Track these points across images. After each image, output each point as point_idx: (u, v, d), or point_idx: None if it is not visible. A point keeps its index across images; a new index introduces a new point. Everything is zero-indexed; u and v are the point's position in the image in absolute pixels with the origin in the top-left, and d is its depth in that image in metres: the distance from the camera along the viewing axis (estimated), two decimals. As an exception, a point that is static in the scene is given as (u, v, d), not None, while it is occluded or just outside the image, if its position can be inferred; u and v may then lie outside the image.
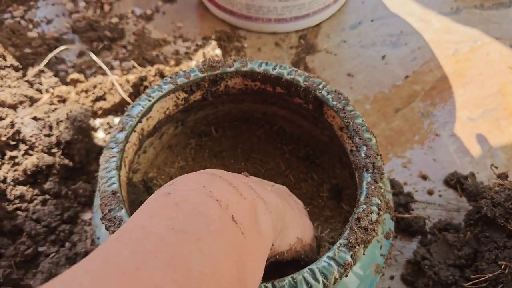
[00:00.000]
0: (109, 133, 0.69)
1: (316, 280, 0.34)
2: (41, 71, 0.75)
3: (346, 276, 0.36)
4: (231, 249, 0.27)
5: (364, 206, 0.38)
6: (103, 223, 0.39)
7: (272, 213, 0.33)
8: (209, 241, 0.25)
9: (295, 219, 0.39)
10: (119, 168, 0.41)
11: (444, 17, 0.83)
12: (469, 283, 0.51)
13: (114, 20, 0.84)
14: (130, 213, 0.36)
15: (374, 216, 0.38)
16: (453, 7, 0.84)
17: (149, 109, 0.46)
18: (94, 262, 0.22)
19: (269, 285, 0.33)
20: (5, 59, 0.75)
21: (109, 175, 0.41)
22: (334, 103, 0.45)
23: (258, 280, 0.29)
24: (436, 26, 0.82)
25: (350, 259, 0.36)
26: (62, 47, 0.77)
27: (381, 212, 0.39)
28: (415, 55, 0.78)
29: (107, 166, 0.41)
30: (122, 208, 0.38)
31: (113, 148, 0.42)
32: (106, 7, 0.86)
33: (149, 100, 0.45)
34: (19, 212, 0.60)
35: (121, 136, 0.43)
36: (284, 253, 0.37)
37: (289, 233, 0.37)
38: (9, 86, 0.71)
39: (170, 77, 0.47)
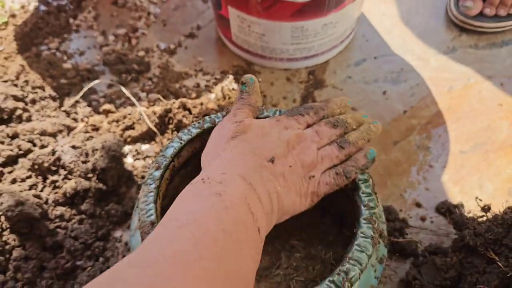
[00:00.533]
0: (137, 158, 0.78)
1: (319, 301, 0.42)
2: (76, 102, 0.83)
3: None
4: (255, 254, 0.36)
5: (361, 239, 0.46)
6: (143, 248, 0.47)
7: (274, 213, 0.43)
8: (245, 246, 0.34)
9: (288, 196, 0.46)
10: (155, 201, 0.50)
11: (441, 56, 0.91)
12: (452, 303, 0.59)
13: (141, 53, 0.93)
14: None
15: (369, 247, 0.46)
16: (450, 46, 0.92)
17: (180, 150, 0.54)
18: (168, 249, 0.30)
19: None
20: (44, 90, 0.84)
21: (147, 208, 0.49)
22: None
23: None
24: (433, 65, 0.89)
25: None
26: (97, 81, 0.86)
27: (374, 244, 0.47)
28: (414, 91, 0.86)
29: (146, 200, 0.50)
30: (159, 236, 0.47)
31: (151, 184, 0.51)
32: (133, 41, 0.95)
33: (181, 143, 0.54)
34: (59, 230, 0.68)
35: (158, 174, 0.51)
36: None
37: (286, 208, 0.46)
38: (49, 116, 0.80)
39: (198, 122, 0.56)
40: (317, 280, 0.62)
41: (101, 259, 0.67)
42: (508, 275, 0.54)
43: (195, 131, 0.55)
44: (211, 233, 0.32)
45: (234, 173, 0.40)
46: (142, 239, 0.47)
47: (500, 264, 0.55)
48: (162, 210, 0.61)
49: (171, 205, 0.38)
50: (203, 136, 0.56)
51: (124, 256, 0.68)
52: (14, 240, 0.65)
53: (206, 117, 0.56)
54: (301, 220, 0.65)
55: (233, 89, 0.85)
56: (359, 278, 0.46)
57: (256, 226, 0.38)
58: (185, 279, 0.28)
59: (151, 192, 0.50)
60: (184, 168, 0.61)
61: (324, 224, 0.65)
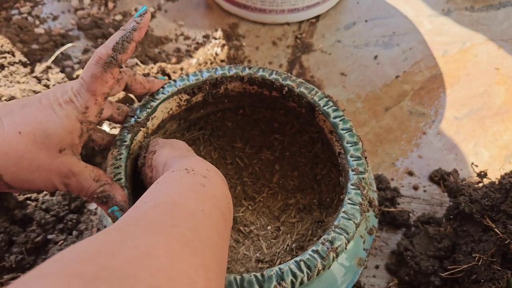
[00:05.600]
0: (113, 127, 0.73)
1: (301, 271, 0.38)
2: (48, 67, 0.78)
3: (329, 268, 0.40)
4: (227, 247, 0.35)
5: (348, 206, 0.43)
6: (111, 215, 0.43)
7: None
8: (223, 232, 0.34)
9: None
10: (125, 164, 0.45)
11: (435, 18, 0.86)
12: (446, 273, 0.55)
13: (118, 17, 0.87)
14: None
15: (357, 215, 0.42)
16: (445, 9, 0.87)
17: (154, 110, 0.50)
18: (142, 220, 0.30)
19: (258, 274, 0.38)
20: (13, 55, 0.78)
21: (116, 171, 0.45)
22: (325, 108, 0.49)
23: None
24: (427, 28, 0.85)
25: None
26: (69, 45, 0.80)
27: (363, 212, 0.43)
28: (406, 55, 0.81)
29: (115, 163, 0.45)
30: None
31: (120, 146, 0.46)
32: (110, 5, 0.89)
33: (154, 102, 0.49)
34: (29, 202, 0.64)
35: (127, 134, 0.47)
36: None
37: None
38: (18, 82, 0.74)
39: (174, 80, 0.51)
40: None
41: (74, 232, 0.63)
42: (506, 242, 0.51)
43: (170, 90, 0.50)
44: (189, 210, 0.32)
45: (217, 174, 0.41)
46: (110, 206, 0.43)
47: (497, 231, 0.52)
48: (135, 177, 0.57)
49: (148, 189, 0.36)
50: (179, 96, 0.52)
51: (98, 229, 0.64)
52: (-21, 212, 0.61)
53: (183, 75, 0.51)
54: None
55: (216, 53, 0.80)
56: (346, 248, 0.43)
57: (230, 225, 0.38)
58: (159, 238, 0.27)
59: (120, 154, 0.46)
60: (162, 131, 0.57)
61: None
